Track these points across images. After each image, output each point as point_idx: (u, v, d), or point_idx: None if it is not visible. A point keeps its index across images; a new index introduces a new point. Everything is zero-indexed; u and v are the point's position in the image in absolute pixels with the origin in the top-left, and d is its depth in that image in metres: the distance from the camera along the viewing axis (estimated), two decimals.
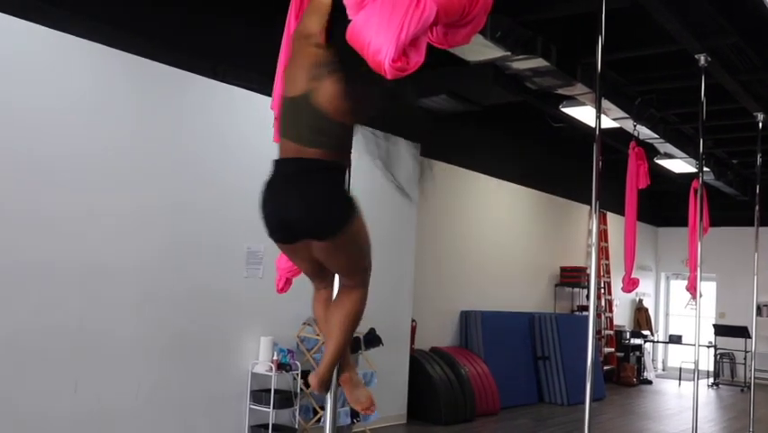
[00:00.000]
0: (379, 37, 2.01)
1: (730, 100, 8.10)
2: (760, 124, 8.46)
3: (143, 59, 5.50)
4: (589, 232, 13.24)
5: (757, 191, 8.03)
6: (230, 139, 6.18)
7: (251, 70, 6.21)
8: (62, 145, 5.03)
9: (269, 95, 6.70)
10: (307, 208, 2.40)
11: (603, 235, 13.08)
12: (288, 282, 4.01)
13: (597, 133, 5.31)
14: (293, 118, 2.44)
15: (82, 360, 5.09)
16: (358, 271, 2.62)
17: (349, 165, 2.57)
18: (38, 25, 4.88)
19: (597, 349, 11.44)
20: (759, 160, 8.75)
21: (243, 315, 6.28)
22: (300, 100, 2.37)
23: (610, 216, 13.20)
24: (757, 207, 7.96)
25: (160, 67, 5.64)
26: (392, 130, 2.63)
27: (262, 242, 6.35)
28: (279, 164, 2.49)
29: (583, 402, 4.47)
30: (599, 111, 5.25)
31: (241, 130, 6.24)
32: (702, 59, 6.69)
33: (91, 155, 5.19)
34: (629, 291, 9.13)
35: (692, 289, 9.53)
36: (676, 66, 7.68)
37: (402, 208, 7.15)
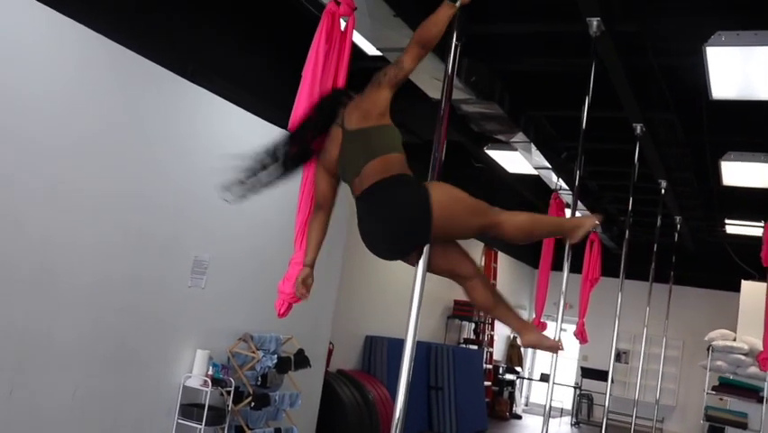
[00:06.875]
0: None
1: (643, 165, 8.67)
2: (663, 191, 9.23)
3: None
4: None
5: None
6: (189, 142, 5.95)
7: (225, 78, 6.07)
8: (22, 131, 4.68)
9: (239, 105, 6.56)
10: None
11: (493, 274, 13.62)
12: (289, 307, 3.95)
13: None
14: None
15: (22, 362, 4.71)
16: (487, 215, 2.87)
17: None
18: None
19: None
20: (660, 221, 9.51)
21: (182, 326, 6.04)
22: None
23: (501, 256, 13.80)
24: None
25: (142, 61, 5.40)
26: None
27: (209, 252, 6.19)
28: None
29: None
30: (576, 200, 5.58)
31: (205, 135, 6.05)
32: (639, 128, 7.23)
33: (49, 155, 4.86)
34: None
35: (580, 334, 10.14)
36: (605, 129, 8.10)
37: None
